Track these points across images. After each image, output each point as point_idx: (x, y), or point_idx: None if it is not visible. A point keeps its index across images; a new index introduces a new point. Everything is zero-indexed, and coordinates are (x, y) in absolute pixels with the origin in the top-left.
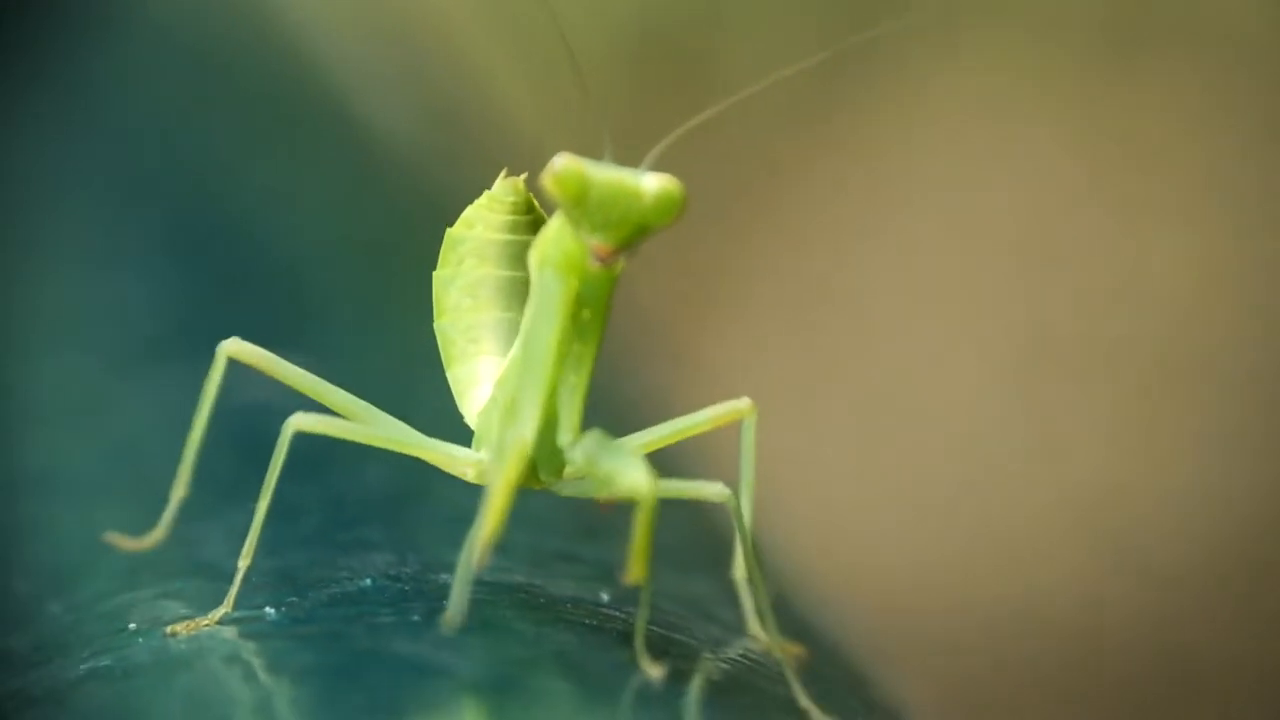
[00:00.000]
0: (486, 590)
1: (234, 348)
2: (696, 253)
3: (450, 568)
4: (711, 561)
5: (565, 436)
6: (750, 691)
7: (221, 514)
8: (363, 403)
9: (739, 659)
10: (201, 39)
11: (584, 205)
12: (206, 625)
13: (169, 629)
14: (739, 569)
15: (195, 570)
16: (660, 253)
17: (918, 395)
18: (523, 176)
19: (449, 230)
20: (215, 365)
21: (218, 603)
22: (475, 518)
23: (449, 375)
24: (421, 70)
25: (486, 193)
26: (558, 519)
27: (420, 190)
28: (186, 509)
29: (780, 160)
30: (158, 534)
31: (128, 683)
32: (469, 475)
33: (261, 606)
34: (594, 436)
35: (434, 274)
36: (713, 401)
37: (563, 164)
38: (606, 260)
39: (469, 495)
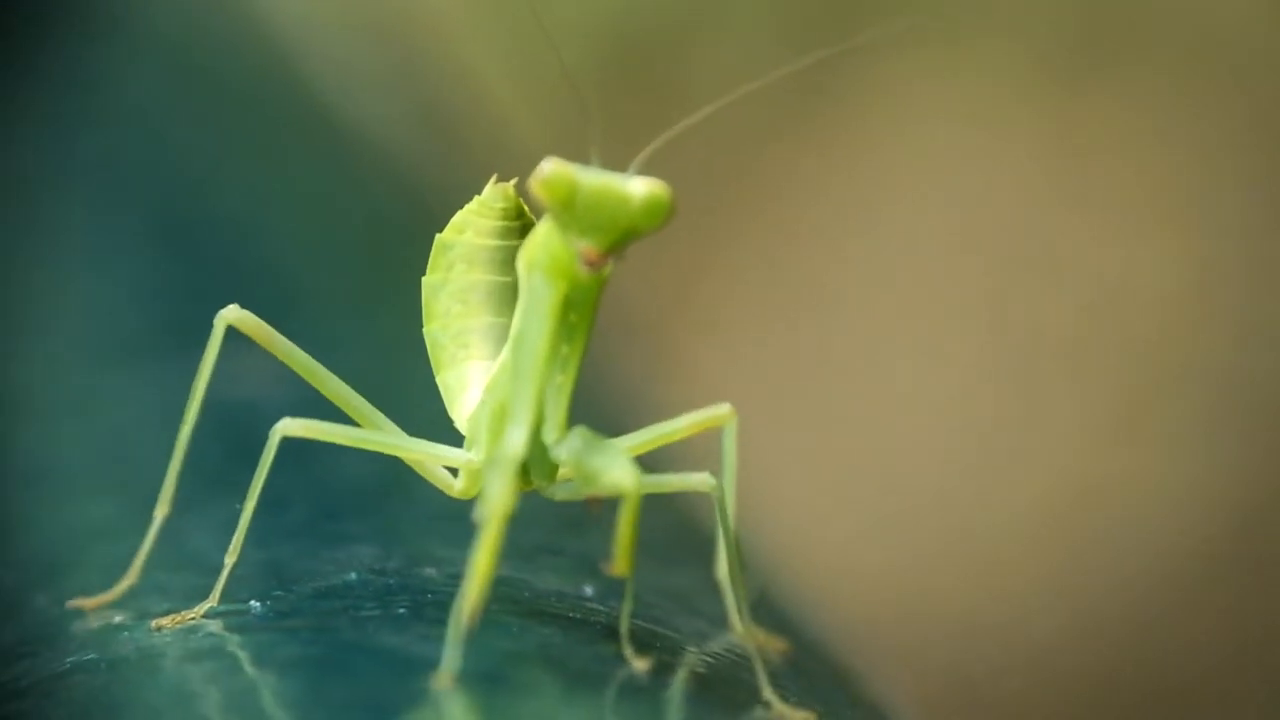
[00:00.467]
0: None
1: (234, 315)
2: (681, 255)
3: (436, 561)
4: (695, 555)
5: (551, 434)
6: (733, 685)
7: (208, 508)
8: (353, 391)
9: (722, 653)
10: (190, 37)
11: (572, 209)
12: (192, 619)
13: (154, 623)
14: (721, 565)
15: (181, 564)
16: (645, 255)
17: (899, 398)
18: (513, 182)
19: (439, 236)
20: (214, 333)
21: (203, 596)
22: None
23: (439, 380)
24: (412, 72)
25: (476, 198)
26: (542, 513)
27: (410, 192)
28: (174, 501)
29: (764, 165)
30: (129, 580)
31: (114, 675)
32: (455, 489)
33: (247, 600)
34: (579, 434)
35: (423, 279)
36: (696, 403)
37: (550, 168)
38: (595, 264)
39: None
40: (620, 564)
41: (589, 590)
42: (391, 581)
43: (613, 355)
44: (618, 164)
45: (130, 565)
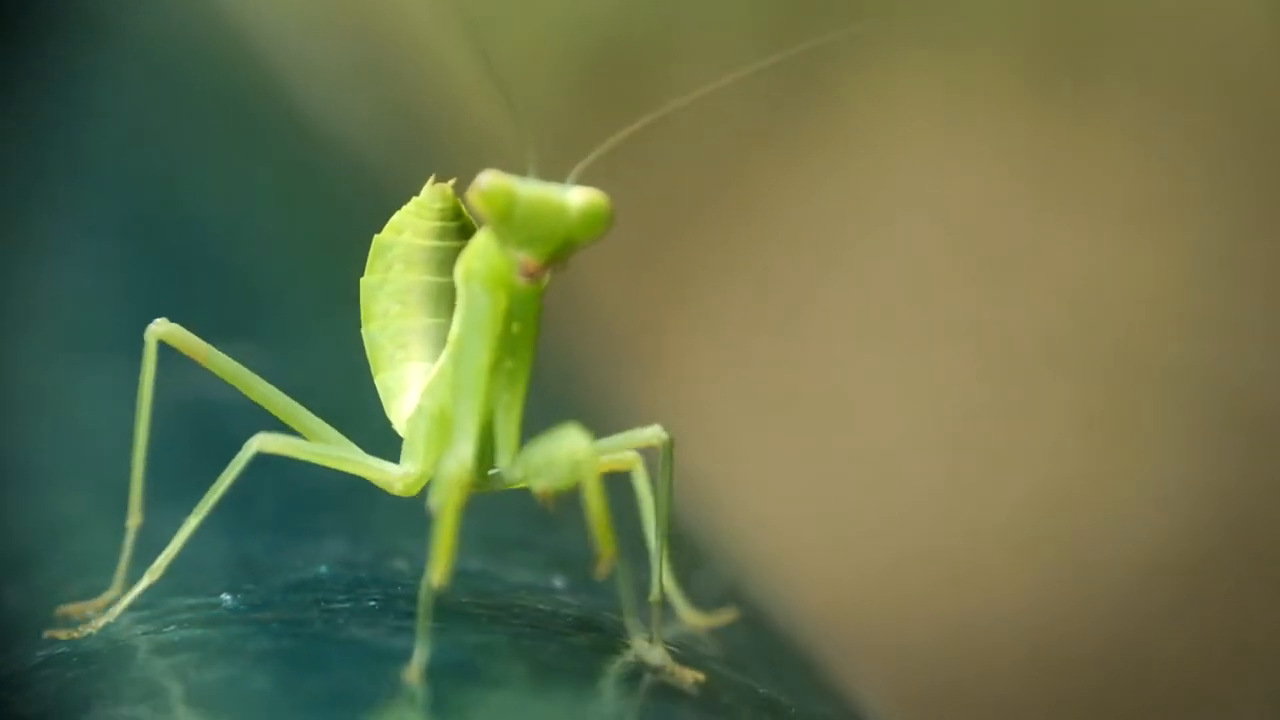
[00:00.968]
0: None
1: (163, 330)
2: (661, 261)
3: (404, 554)
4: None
5: (503, 458)
6: (703, 673)
7: (177, 503)
8: (279, 393)
9: (688, 642)
10: (155, 33)
11: (510, 221)
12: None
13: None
14: (650, 527)
15: (150, 558)
16: (627, 263)
17: (879, 402)
18: (451, 183)
19: (377, 237)
20: (147, 349)
21: (171, 592)
22: (428, 555)
23: (377, 381)
24: (382, 71)
25: (414, 199)
26: (512, 506)
27: (378, 191)
28: (145, 493)
29: (750, 168)
30: (114, 591)
31: (85, 669)
32: (396, 489)
33: (218, 593)
34: (528, 447)
35: (362, 280)
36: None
37: (488, 180)
38: (534, 275)
39: None
40: (605, 552)
41: (559, 583)
42: (362, 574)
43: (598, 358)
44: (609, 172)
45: (113, 575)
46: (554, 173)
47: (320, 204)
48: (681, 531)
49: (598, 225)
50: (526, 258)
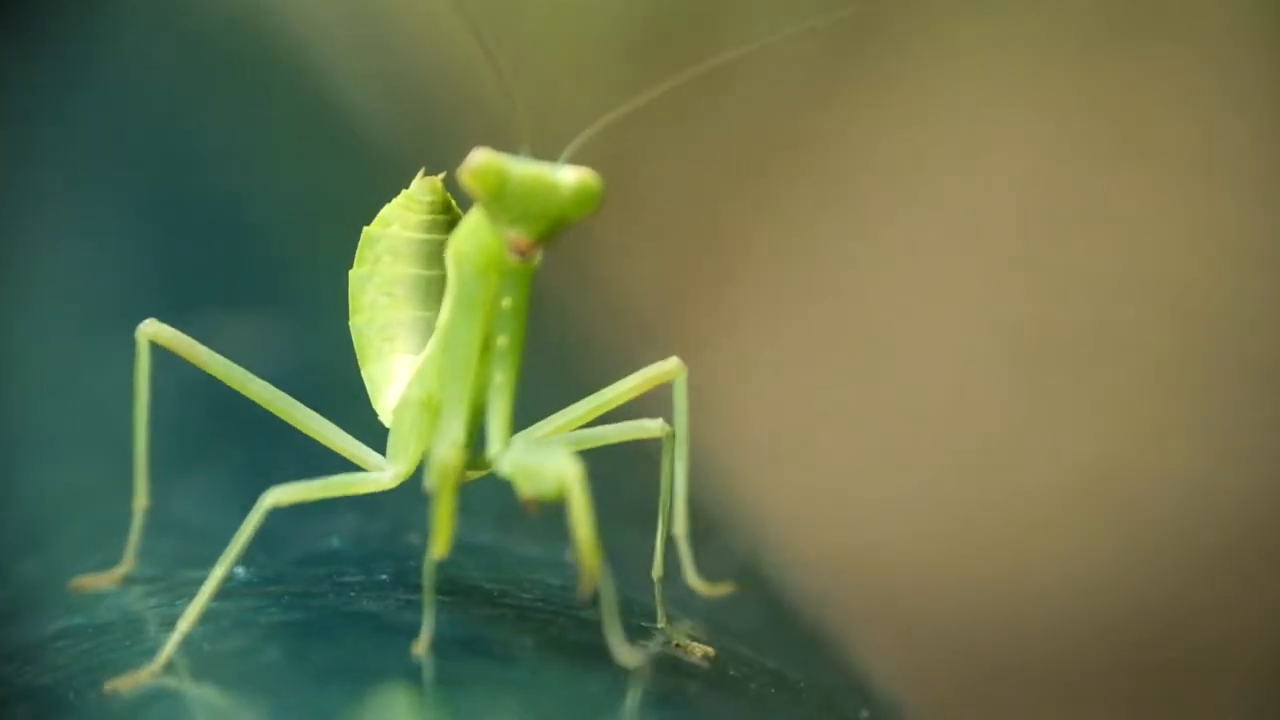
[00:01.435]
0: (453, 552)
1: (153, 330)
2: (701, 233)
3: (417, 527)
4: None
5: (495, 445)
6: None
7: (191, 472)
8: (280, 392)
9: (695, 618)
10: (175, 6)
11: (502, 199)
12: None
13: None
14: (669, 515)
15: (165, 529)
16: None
17: (918, 374)
18: (441, 176)
19: (365, 229)
20: (139, 350)
21: (186, 562)
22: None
23: (364, 373)
24: (396, 42)
25: (404, 191)
26: None
27: (392, 162)
28: (156, 467)
29: (784, 145)
30: (126, 566)
31: (99, 640)
32: (384, 481)
33: (232, 565)
34: (519, 440)
35: (350, 272)
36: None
37: (480, 158)
38: (525, 253)
39: None
40: (588, 571)
41: (569, 557)
42: (374, 548)
43: (625, 344)
44: (663, 147)
45: (124, 548)
46: (564, 138)
47: (341, 177)
48: (695, 502)
49: (589, 203)
50: (518, 236)
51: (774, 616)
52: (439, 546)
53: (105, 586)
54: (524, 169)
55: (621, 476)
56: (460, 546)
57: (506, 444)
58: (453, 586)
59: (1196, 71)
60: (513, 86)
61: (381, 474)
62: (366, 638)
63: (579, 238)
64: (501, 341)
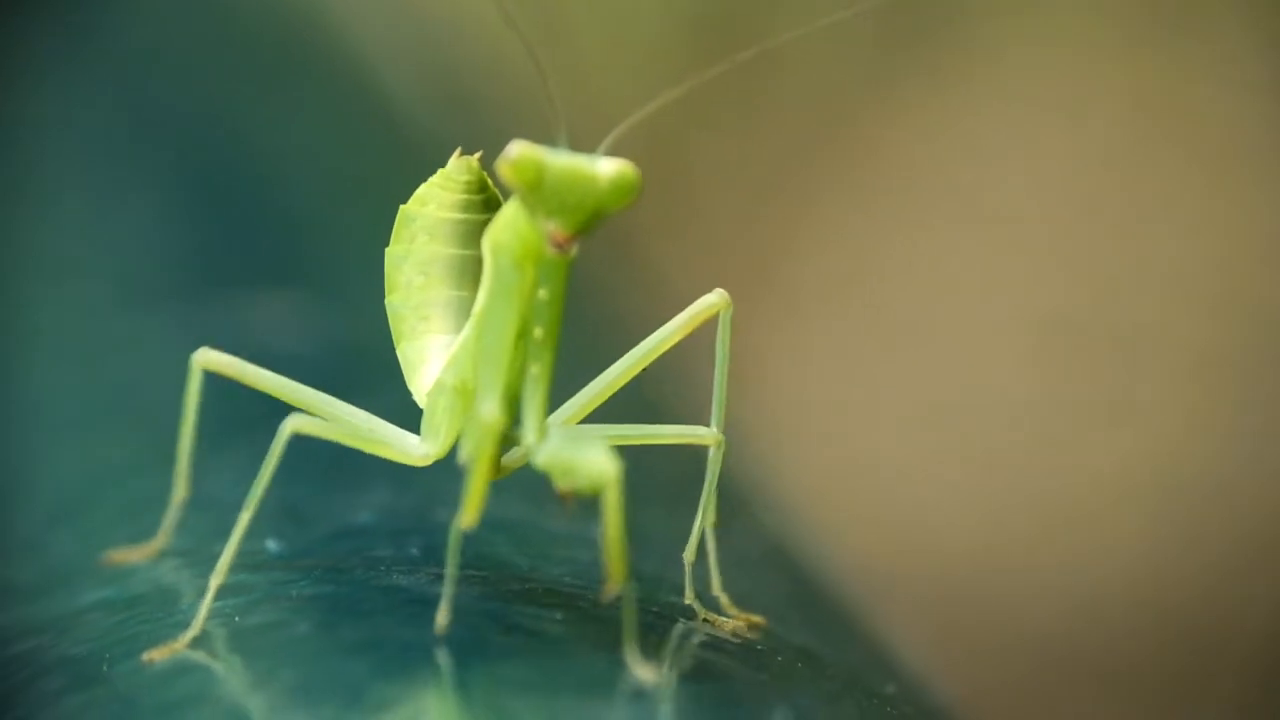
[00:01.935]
0: (484, 527)
1: (204, 358)
2: (762, 226)
3: (447, 503)
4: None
5: (530, 434)
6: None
7: (225, 447)
8: (333, 399)
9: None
10: None
11: (540, 191)
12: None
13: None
14: (706, 518)
15: (198, 503)
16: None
17: (954, 365)
18: (477, 155)
19: (402, 207)
20: (191, 377)
21: (219, 535)
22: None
23: (398, 352)
24: (433, 25)
25: (440, 170)
26: None
27: (428, 141)
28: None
29: (851, 135)
30: (159, 542)
31: (130, 612)
32: (415, 461)
33: (263, 539)
34: (557, 431)
35: (386, 250)
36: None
37: (518, 150)
38: (563, 245)
39: None
40: (615, 575)
41: (597, 533)
42: (404, 523)
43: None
44: (709, 134)
45: (156, 522)
46: (603, 126)
47: (371, 150)
48: (725, 479)
49: (627, 195)
50: (555, 228)
51: (801, 593)
52: (468, 517)
53: (138, 560)
54: (561, 161)
55: (657, 454)
56: (489, 522)
57: (542, 435)
58: (482, 561)
59: (1237, 67)
60: (549, 77)
61: (413, 450)
62: (396, 612)
63: (621, 216)
64: (538, 332)
